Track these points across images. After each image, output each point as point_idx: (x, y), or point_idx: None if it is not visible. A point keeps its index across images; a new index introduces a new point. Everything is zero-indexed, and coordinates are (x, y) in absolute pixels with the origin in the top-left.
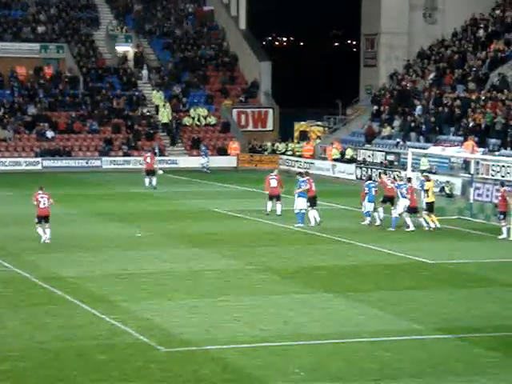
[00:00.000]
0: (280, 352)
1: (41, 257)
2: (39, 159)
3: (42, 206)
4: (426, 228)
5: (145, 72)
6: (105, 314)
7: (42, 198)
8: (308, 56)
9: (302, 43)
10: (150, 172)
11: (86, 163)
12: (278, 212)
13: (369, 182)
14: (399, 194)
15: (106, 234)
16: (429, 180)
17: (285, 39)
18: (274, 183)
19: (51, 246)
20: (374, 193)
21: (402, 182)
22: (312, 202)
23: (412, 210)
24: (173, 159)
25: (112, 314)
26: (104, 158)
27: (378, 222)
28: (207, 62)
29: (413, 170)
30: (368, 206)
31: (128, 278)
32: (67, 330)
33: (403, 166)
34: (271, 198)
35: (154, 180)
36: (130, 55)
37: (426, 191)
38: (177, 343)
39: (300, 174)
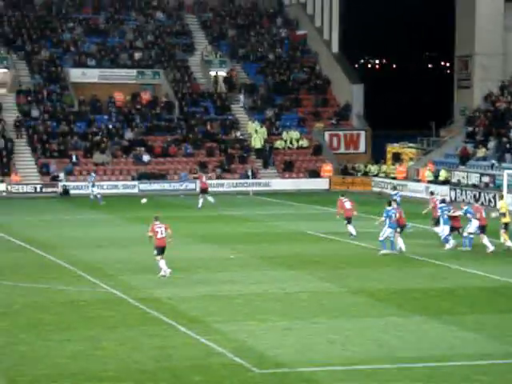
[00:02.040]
0: (374, 375)
1: (136, 278)
2: (136, 182)
3: (159, 236)
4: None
5: (241, 96)
6: (199, 334)
7: (159, 228)
8: (401, 78)
9: (394, 65)
10: (204, 191)
11: (181, 186)
12: (354, 233)
13: (442, 204)
14: (468, 215)
15: (199, 256)
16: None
17: (377, 62)
18: (348, 205)
19: (146, 267)
20: (445, 216)
21: (465, 207)
22: (401, 228)
23: (482, 230)
24: (265, 182)
25: (206, 335)
26: (198, 181)
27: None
28: (300, 86)
29: (508, 192)
30: (445, 230)
31: (222, 299)
32: (163, 351)
33: (498, 188)
34: (349, 220)
35: (209, 198)
36: (224, 80)
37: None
38: (271, 365)
39: (389, 203)
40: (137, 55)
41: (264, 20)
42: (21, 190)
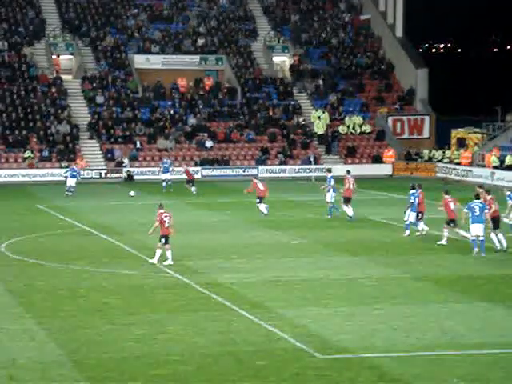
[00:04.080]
0: (438, 361)
1: (200, 263)
2: (199, 168)
3: (166, 225)
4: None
5: (302, 82)
6: (262, 319)
7: (166, 216)
8: (466, 62)
9: (459, 49)
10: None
11: (243, 172)
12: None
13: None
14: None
15: (262, 241)
16: None
17: (442, 46)
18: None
19: (209, 252)
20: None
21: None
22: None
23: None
24: (328, 167)
25: (269, 320)
26: (260, 167)
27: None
28: (363, 70)
29: None
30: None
31: (284, 284)
32: (226, 335)
33: None
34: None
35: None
36: (287, 65)
37: None
38: (333, 350)
39: (412, 187)
40: (200, 41)
41: (327, 4)
42: (86, 176)
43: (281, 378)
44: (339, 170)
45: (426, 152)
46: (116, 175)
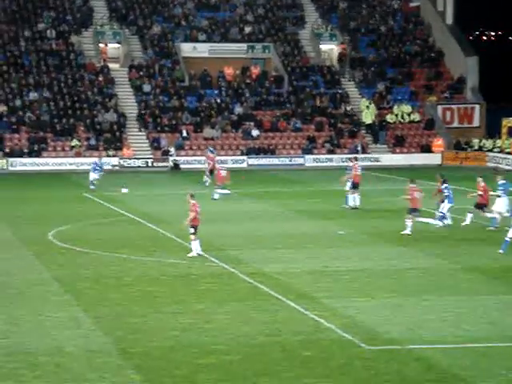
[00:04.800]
0: (486, 353)
1: (246, 253)
2: (245, 157)
3: (199, 216)
4: None
5: (349, 70)
6: (308, 310)
7: (200, 207)
8: None
9: (510, 37)
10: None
11: (290, 161)
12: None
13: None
14: None
15: (308, 231)
16: None
17: (493, 33)
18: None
19: (255, 241)
20: None
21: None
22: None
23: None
24: (375, 157)
25: (315, 311)
26: (307, 156)
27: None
28: (412, 58)
29: None
30: None
31: (331, 275)
32: (272, 325)
33: None
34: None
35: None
36: (335, 53)
37: None
38: (380, 341)
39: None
40: (247, 29)
41: None
42: (132, 164)
43: (327, 369)
44: (387, 159)
45: (476, 141)
46: (162, 164)
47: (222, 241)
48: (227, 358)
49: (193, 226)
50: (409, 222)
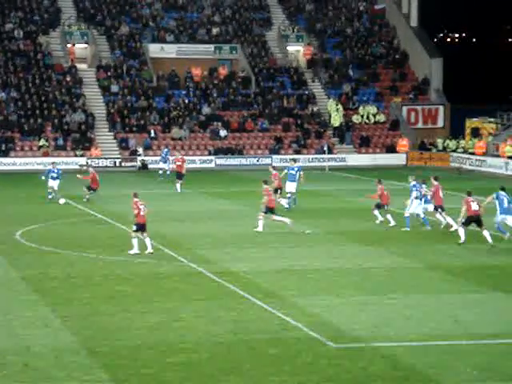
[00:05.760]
0: (451, 351)
1: (213, 252)
2: (212, 157)
3: (142, 213)
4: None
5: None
6: (275, 308)
7: (141, 205)
8: (481, 52)
9: (474, 39)
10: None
11: (257, 161)
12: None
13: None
14: None
15: (275, 231)
16: None
17: (457, 35)
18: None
19: (223, 241)
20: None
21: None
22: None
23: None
24: (341, 157)
25: (282, 309)
26: (274, 156)
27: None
28: (377, 60)
29: None
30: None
31: (297, 273)
32: (239, 324)
33: None
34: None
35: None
36: (301, 55)
37: None
38: (346, 339)
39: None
40: (214, 30)
41: None
42: (101, 164)
43: (294, 367)
44: (353, 159)
45: (440, 142)
46: (130, 164)
47: (190, 240)
48: (195, 357)
49: (136, 224)
50: (260, 220)
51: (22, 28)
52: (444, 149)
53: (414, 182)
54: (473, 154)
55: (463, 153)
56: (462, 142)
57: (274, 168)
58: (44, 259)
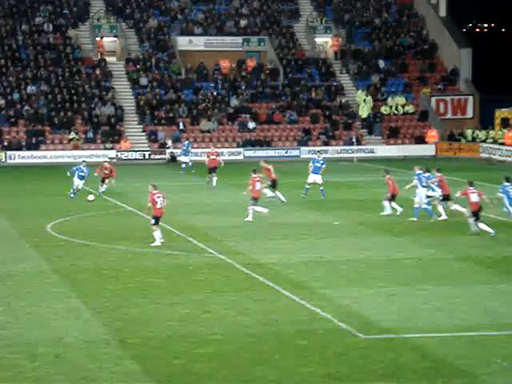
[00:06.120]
0: (481, 342)
1: (243, 244)
2: (241, 149)
3: (158, 206)
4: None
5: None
6: (304, 300)
7: (159, 197)
8: (510, 42)
9: (503, 29)
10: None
11: (285, 153)
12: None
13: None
14: None
15: (304, 222)
16: None
17: (486, 25)
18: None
19: (251, 232)
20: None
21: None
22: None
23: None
24: (370, 148)
25: (311, 301)
26: (302, 148)
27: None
28: (406, 51)
29: None
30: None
31: (326, 265)
32: (269, 315)
33: None
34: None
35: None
36: (329, 46)
37: None
38: (376, 330)
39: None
40: (242, 22)
41: None
42: (130, 157)
43: (323, 358)
44: (382, 150)
45: (469, 132)
46: (159, 156)
47: (219, 232)
48: (224, 348)
49: (153, 217)
50: (250, 210)
51: (52, 22)
52: (473, 139)
53: (418, 171)
54: (502, 144)
55: (493, 143)
56: (492, 133)
57: (265, 162)
58: (75, 252)
